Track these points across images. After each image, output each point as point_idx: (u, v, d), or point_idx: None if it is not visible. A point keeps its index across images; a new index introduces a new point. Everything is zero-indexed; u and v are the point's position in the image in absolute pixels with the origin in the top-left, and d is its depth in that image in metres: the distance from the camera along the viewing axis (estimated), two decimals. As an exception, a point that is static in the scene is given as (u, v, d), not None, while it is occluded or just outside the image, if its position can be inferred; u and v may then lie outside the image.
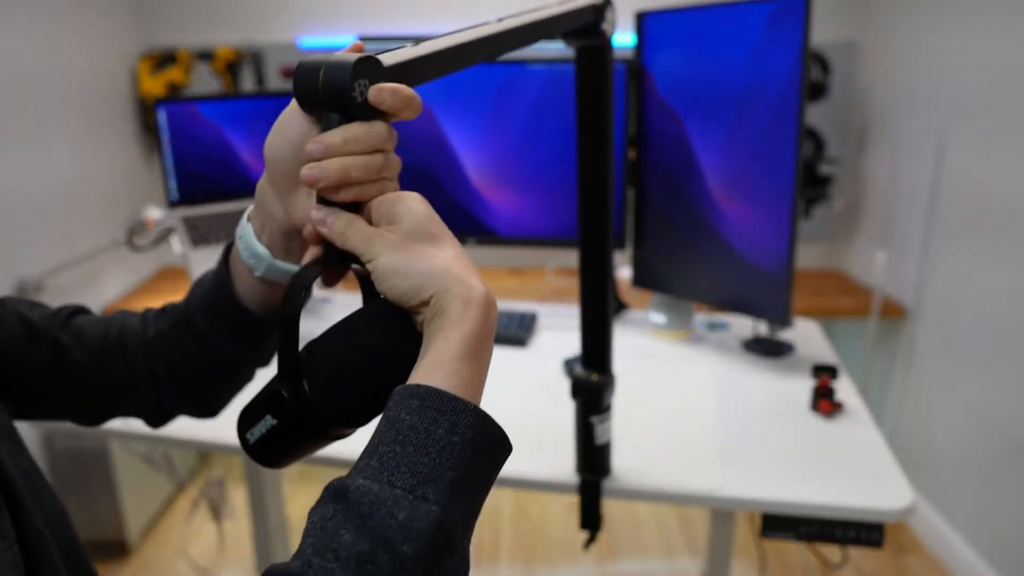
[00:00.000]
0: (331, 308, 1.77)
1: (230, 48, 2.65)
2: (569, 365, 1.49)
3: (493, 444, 0.47)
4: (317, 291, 1.84)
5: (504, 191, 1.66)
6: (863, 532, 1.10)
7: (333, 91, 0.48)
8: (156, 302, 0.70)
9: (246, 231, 0.59)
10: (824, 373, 1.33)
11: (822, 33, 2.50)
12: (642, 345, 1.62)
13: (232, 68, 2.66)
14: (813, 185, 2.60)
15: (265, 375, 0.69)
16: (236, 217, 1.88)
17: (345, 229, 0.49)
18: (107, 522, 2.23)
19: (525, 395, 1.40)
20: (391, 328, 0.50)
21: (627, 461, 1.15)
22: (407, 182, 0.51)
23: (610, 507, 1.71)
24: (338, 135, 0.48)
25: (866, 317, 2.42)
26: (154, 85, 2.61)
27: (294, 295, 0.50)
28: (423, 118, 1.61)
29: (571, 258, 2.15)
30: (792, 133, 1.36)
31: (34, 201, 2.15)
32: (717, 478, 1.14)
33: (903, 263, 2.41)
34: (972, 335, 2.11)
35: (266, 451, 0.52)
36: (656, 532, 2.41)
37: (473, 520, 0.46)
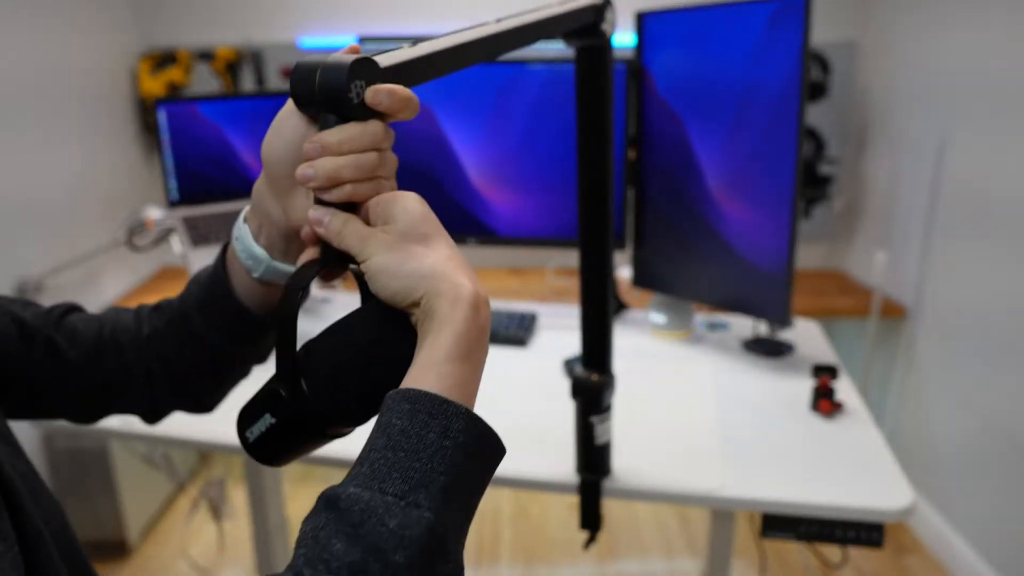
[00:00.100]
0: (330, 308, 1.77)
1: (230, 48, 2.65)
2: (569, 365, 1.49)
3: (486, 447, 0.47)
4: (316, 291, 1.84)
5: (504, 191, 1.66)
6: (863, 532, 1.10)
7: (329, 92, 0.48)
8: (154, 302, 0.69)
9: (243, 232, 0.59)
10: (824, 373, 1.33)
11: (822, 33, 2.50)
12: (642, 345, 1.62)
13: (232, 68, 2.66)
14: (813, 185, 2.60)
15: (260, 370, 0.69)
16: (236, 217, 1.88)
17: (341, 229, 0.50)
18: (107, 522, 2.23)
19: (525, 395, 1.40)
20: (386, 328, 0.50)
21: (627, 461, 1.15)
22: (407, 182, 0.51)
23: (610, 507, 1.72)
24: (334, 135, 0.49)
25: (866, 317, 2.42)
26: (154, 85, 2.61)
27: (292, 295, 0.50)
28: (423, 118, 1.61)
29: (571, 258, 2.15)
30: (792, 133, 1.36)
31: (34, 201, 2.15)
32: (717, 478, 1.14)
33: (903, 263, 2.41)
34: (972, 335, 2.11)
35: (265, 449, 0.52)
36: (656, 532, 2.41)
37: (467, 525, 0.46)
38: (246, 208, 0.60)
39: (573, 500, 1.15)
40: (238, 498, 2.51)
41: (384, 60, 0.50)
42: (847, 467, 1.17)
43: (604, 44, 0.89)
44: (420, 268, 0.48)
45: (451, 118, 1.62)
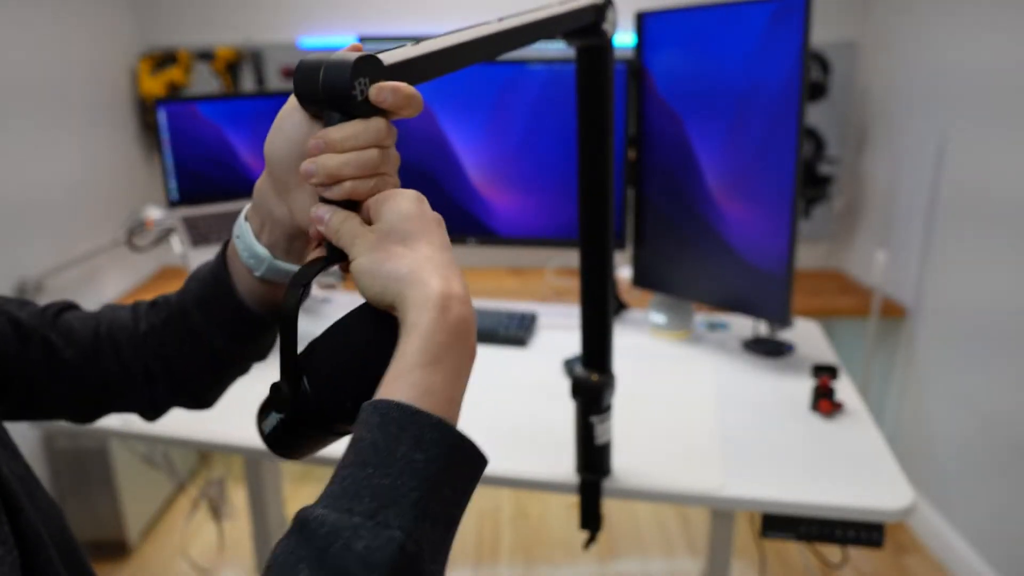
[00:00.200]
0: (331, 308, 1.78)
1: (230, 48, 2.65)
2: (569, 365, 1.49)
3: (462, 458, 0.44)
4: (317, 291, 1.84)
5: (504, 191, 1.66)
6: (863, 532, 1.10)
7: (333, 90, 0.48)
8: (153, 302, 0.69)
9: (244, 230, 0.59)
10: (824, 373, 1.33)
11: (822, 33, 2.50)
12: (642, 345, 1.62)
13: (232, 68, 2.67)
14: (813, 185, 2.60)
15: (260, 367, 0.69)
16: (236, 217, 1.88)
17: (339, 227, 0.50)
18: (107, 522, 2.23)
19: (525, 395, 1.40)
20: (376, 328, 0.50)
21: (627, 461, 1.15)
22: (406, 181, 0.51)
23: (610, 507, 1.71)
24: (337, 132, 0.49)
25: (866, 317, 2.42)
26: (154, 85, 2.61)
27: (294, 294, 0.50)
28: (423, 118, 1.61)
29: (571, 258, 2.15)
30: (792, 133, 1.36)
31: (34, 201, 2.15)
32: (717, 478, 1.14)
33: (903, 263, 2.41)
34: (972, 335, 2.11)
35: (278, 444, 0.53)
36: (656, 532, 2.41)
37: (447, 539, 0.44)
38: (247, 206, 0.60)
39: (573, 500, 1.15)
40: (238, 498, 2.51)
41: (388, 58, 0.50)
42: (847, 467, 1.17)
43: (605, 44, 0.89)
44: (394, 270, 0.47)
45: (451, 118, 1.62)
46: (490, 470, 1.26)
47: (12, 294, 2.02)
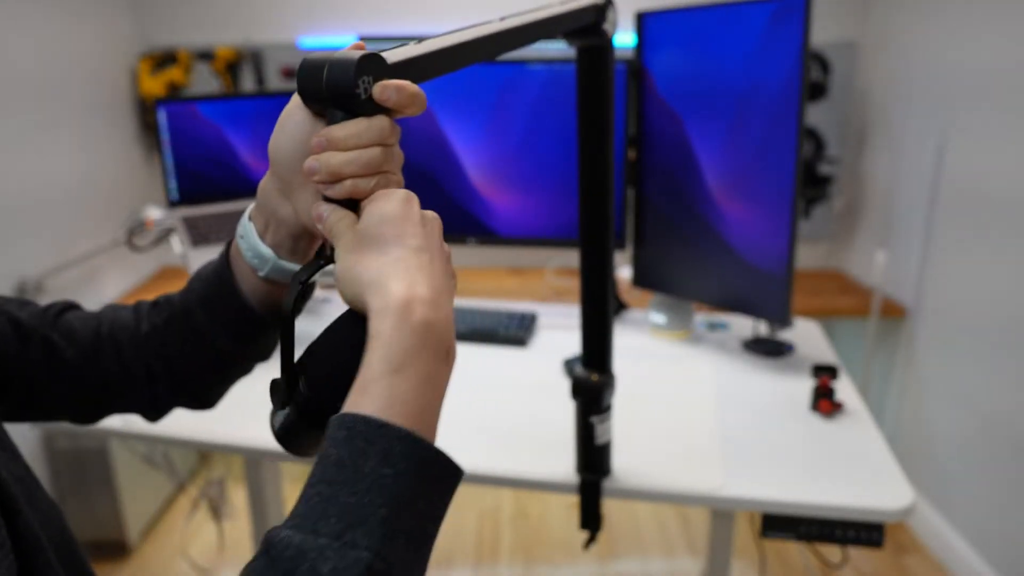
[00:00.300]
0: (331, 308, 1.78)
1: (230, 48, 2.65)
2: (569, 365, 1.49)
3: (435, 472, 0.43)
4: (318, 291, 1.84)
5: (504, 191, 1.66)
6: (863, 532, 1.10)
7: (337, 88, 0.48)
8: (153, 301, 0.69)
9: (248, 230, 0.59)
10: (824, 373, 1.33)
11: (822, 33, 2.50)
12: (642, 345, 1.62)
13: (232, 68, 2.66)
14: (813, 185, 2.60)
15: (262, 367, 0.69)
16: (236, 217, 1.88)
17: (333, 226, 0.50)
18: (107, 522, 2.22)
19: (525, 395, 1.40)
20: (363, 330, 0.50)
21: (627, 461, 1.15)
22: (406, 181, 0.51)
23: (610, 507, 1.71)
24: (340, 130, 0.49)
25: (866, 317, 2.42)
26: (154, 85, 2.61)
27: (291, 293, 0.51)
28: (423, 117, 1.61)
29: (571, 258, 2.15)
30: (792, 133, 1.36)
31: (34, 201, 2.15)
32: (717, 478, 1.14)
33: (903, 263, 2.41)
34: (972, 335, 2.11)
35: (286, 441, 0.53)
36: (656, 532, 2.41)
37: (420, 557, 0.42)
38: (251, 206, 0.60)
39: (573, 500, 1.15)
40: (238, 498, 2.51)
41: (391, 56, 0.50)
42: (847, 467, 1.17)
43: (605, 44, 0.89)
44: (363, 275, 0.46)
45: (451, 118, 1.62)
46: (490, 470, 1.26)
47: (12, 294, 2.02)
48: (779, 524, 1.11)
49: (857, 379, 2.27)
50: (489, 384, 1.43)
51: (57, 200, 2.25)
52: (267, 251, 0.58)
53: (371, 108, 0.49)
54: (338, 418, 0.42)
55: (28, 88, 2.14)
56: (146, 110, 2.67)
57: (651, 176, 1.62)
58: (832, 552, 1.76)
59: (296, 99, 0.53)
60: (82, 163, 2.39)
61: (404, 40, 0.55)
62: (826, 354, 1.55)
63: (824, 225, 2.80)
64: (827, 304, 2.50)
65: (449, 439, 1.38)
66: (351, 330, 0.51)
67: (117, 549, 2.27)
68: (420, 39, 0.55)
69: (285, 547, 0.39)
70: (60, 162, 2.28)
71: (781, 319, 1.46)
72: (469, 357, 1.56)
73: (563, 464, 1.15)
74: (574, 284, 2.26)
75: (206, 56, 2.66)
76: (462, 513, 2.50)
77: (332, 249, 0.51)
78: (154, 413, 0.69)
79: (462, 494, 2.15)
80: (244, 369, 0.69)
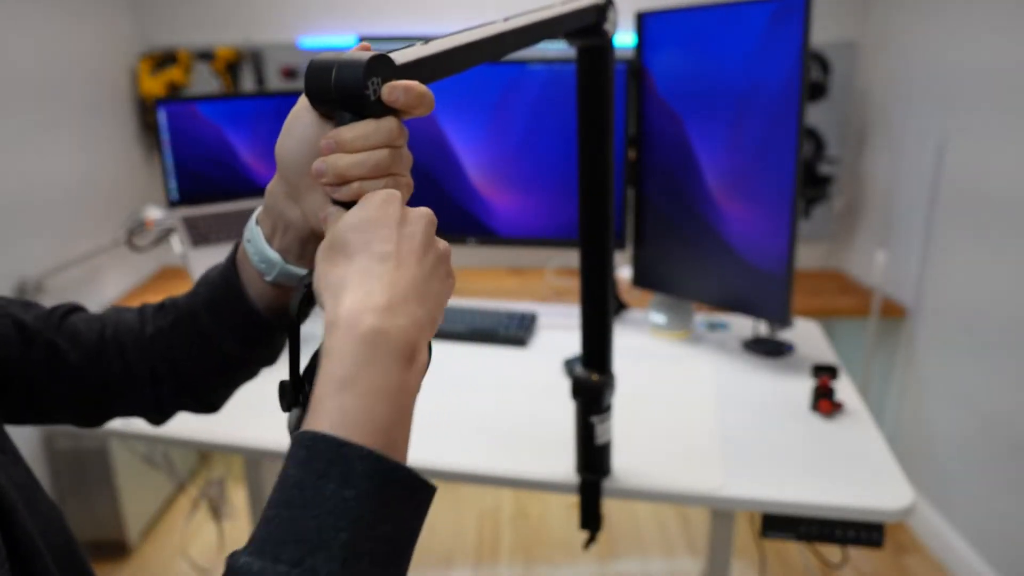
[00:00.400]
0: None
1: (230, 48, 2.65)
2: (569, 365, 1.49)
3: (399, 491, 0.41)
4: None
5: (504, 191, 1.66)
6: (863, 532, 1.10)
7: (346, 89, 0.48)
8: (155, 301, 0.69)
9: (255, 234, 0.58)
10: (824, 373, 1.33)
11: (822, 33, 2.50)
12: (642, 345, 1.62)
13: (232, 68, 2.66)
14: (813, 185, 2.60)
15: (268, 370, 0.69)
16: (236, 217, 1.88)
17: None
18: (107, 522, 2.23)
19: (525, 395, 1.40)
20: None
21: (627, 461, 1.15)
22: (407, 182, 0.51)
23: (610, 507, 1.71)
24: (349, 132, 0.48)
25: (866, 317, 2.42)
26: (154, 85, 2.61)
27: (296, 296, 0.51)
28: (423, 118, 1.61)
29: (571, 258, 2.15)
30: (792, 133, 1.36)
31: (34, 201, 2.15)
32: (717, 478, 1.14)
33: (903, 263, 2.42)
34: (972, 335, 2.11)
35: None
36: (656, 532, 2.41)
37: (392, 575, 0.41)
38: (258, 210, 0.59)
39: (573, 500, 1.15)
40: (238, 498, 2.51)
41: (399, 57, 0.50)
42: (847, 467, 1.17)
43: (606, 44, 0.89)
44: (328, 285, 0.45)
45: (451, 118, 1.62)
46: (490, 470, 1.25)
47: (12, 294, 2.02)
48: (779, 524, 1.11)
49: (857, 379, 2.27)
50: (489, 384, 1.43)
51: (57, 200, 2.25)
52: (274, 255, 0.58)
53: (380, 110, 0.49)
54: (298, 436, 0.41)
55: (28, 88, 2.14)
56: (146, 110, 2.67)
57: (651, 176, 1.62)
58: (832, 552, 1.76)
59: (303, 101, 0.52)
60: (82, 163, 2.39)
61: (405, 40, 0.55)
62: (826, 354, 1.55)
63: (824, 225, 2.80)
64: (827, 304, 2.50)
65: (449, 439, 1.38)
66: None
67: (117, 549, 2.27)
68: (427, 39, 0.55)
69: (245, 574, 0.38)
70: (60, 162, 2.28)
71: (781, 319, 1.46)
72: (469, 357, 1.56)
73: (563, 464, 1.15)
74: (574, 284, 2.26)
75: (206, 56, 2.66)
76: (462, 513, 2.50)
77: None
78: (158, 416, 0.69)
79: (462, 494, 2.15)
80: (250, 373, 0.68)
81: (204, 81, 2.68)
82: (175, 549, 2.31)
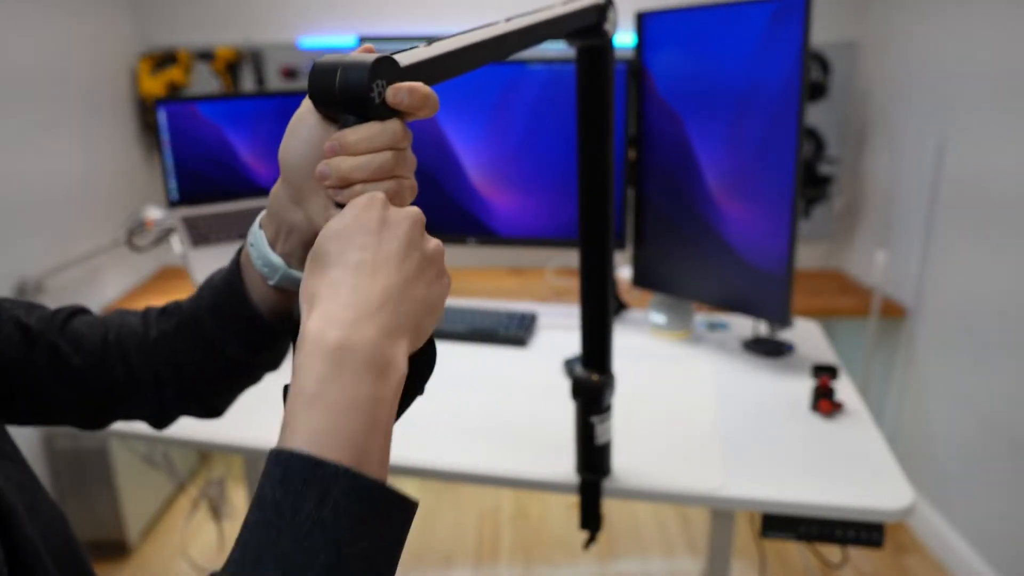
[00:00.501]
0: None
1: (230, 48, 2.65)
2: (569, 365, 1.49)
3: (378, 509, 0.41)
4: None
5: (504, 191, 1.66)
6: (863, 532, 1.10)
7: (350, 92, 0.48)
8: (156, 302, 0.68)
9: (258, 239, 0.58)
10: (824, 373, 1.33)
11: (822, 33, 2.50)
12: (642, 345, 1.62)
13: (232, 68, 2.66)
14: (813, 185, 2.60)
15: (271, 374, 0.69)
16: (236, 217, 1.89)
17: None
18: (107, 522, 2.23)
19: (525, 395, 1.40)
20: None
21: (627, 461, 1.15)
22: (408, 181, 0.51)
23: (610, 507, 1.71)
24: (353, 134, 0.48)
25: (866, 317, 2.42)
26: (154, 85, 2.61)
27: (300, 302, 0.50)
28: (423, 119, 1.61)
29: (571, 258, 2.15)
30: (792, 133, 1.36)
31: (34, 201, 2.15)
32: (717, 478, 1.14)
33: (903, 263, 2.42)
34: (972, 335, 2.11)
35: None
36: (656, 532, 2.41)
37: None
38: (262, 214, 0.59)
39: (573, 500, 1.15)
40: (238, 498, 2.51)
41: (403, 59, 0.50)
42: (847, 467, 1.17)
43: (606, 44, 0.89)
44: (303, 296, 0.45)
45: (451, 118, 1.62)
46: (490, 470, 1.25)
47: (12, 294, 2.03)
48: (779, 524, 1.11)
49: (857, 379, 2.27)
50: (489, 384, 1.43)
51: (57, 200, 2.25)
52: (277, 260, 0.58)
53: (384, 112, 0.48)
54: (275, 455, 0.40)
55: (28, 88, 2.14)
56: (146, 110, 2.67)
57: (651, 176, 1.62)
58: (832, 552, 1.76)
59: (307, 103, 0.52)
60: (82, 163, 2.39)
61: (405, 40, 0.55)
62: (826, 354, 1.55)
63: (824, 225, 2.80)
64: (827, 304, 2.50)
65: (450, 439, 1.38)
66: None
67: (117, 549, 2.28)
68: (429, 41, 0.54)
69: None
70: (60, 162, 2.28)
71: (781, 319, 1.46)
72: (469, 357, 1.56)
73: (563, 464, 1.15)
74: (574, 284, 2.26)
75: (206, 56, 2.66)
76: (462, 513, 2.50)
77: None
78: (160, 420, 0.69)
79: (462, 494, 2.14)
80: (253, 378, 0.68)
81: (204, 81, 2.68)
82: (175, 549, 2.31)
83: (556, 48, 1.02)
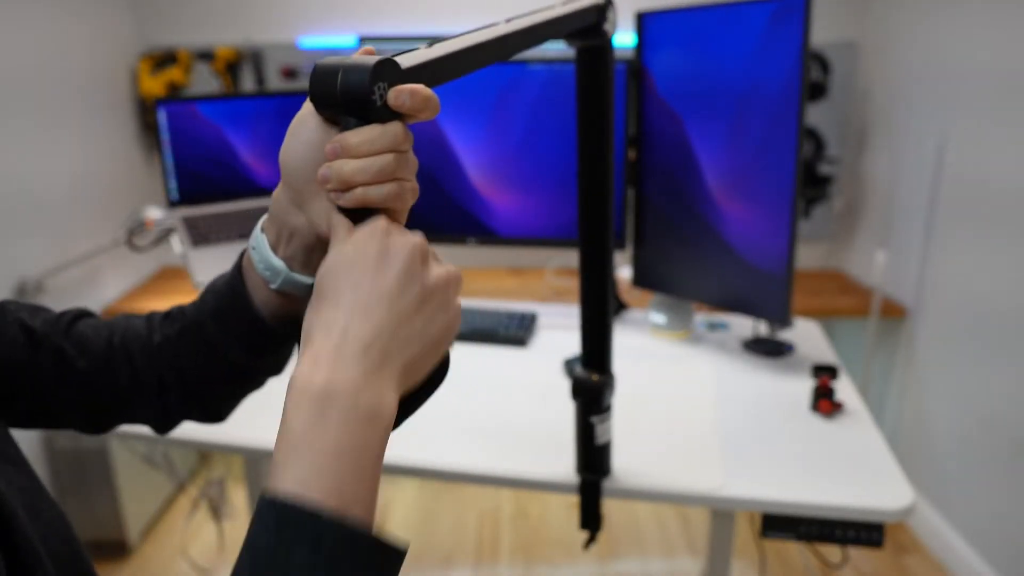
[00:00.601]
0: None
1: (230, 48, 2.65)
2: (569, 365, 1.49)
3: (375, 559, 0.41)
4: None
5: (504, 191, 1.66)
6: (863, 532, 1.10)
7: (352, 94, 0.47)
8: (156, 302, 0.69)
9: (260, 242, 0.58)
10: (824, 373, 1.33)
11: (822, 33, 2.50)
12: (642, 345, 1.62)
13: (232, 68, 2.67)
14: (813, 185, 2.61)
15: (274, 379, 0.69)
16: (236, 217, 1.89)
17: (334, 236, 0.49)
18: (107, 522, 2.23)
19: (525, 395, 1.40)
20: None
21: (627, 461, 1.15)
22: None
23: (610, 507, 1.71)
24: (354, 136, 0.48)
25: (866, 317, 2.42)
26: (154, 85, 2.61)
27: (308, 306, 0.50)
28: (423, 118, 1.61)
29: (571, 258, 2.15)
30: (792, 133, 1.36)
31: (34, 201, 2.15)
32: (717, 478, 1.14)
33: (903, 263, 2.42)
34: (972, 334, 2.11)
35: None
36: (656, 532, 2.41)
37: None
38: (264, 217, 0.59)
39: (573, 500, 1.15)
40: (238, 498, 2.51)
41: (404, 61, 0.50)
42: (847, 467, 1.17)
43: (606, 44, 0.89)
44: (302, 332, 0.46)
45: (451, 118, 1.62)
46: (490, 470, 1.25)
47: (12, 294, 2.03)
48: (779, 524, 1.11)
49: (857, 379, 2.27)
50: (489, 384, 1.43)
51: (57, 200, 2.25)
52: (279, 264, 0.57)
53: (385, 114, 0.48)
54: (268, 502, 0.41)
55: (28, 88, 2.14)
56: (146, 110, 2.67)
57: (651, 176, 1.62)
58: (832, 552, 1.76)
59: (308, 106, 0.52)
60: (82, 163, 2.39)
61: (405, 40, 0.55)
62: (826, 354, 1.56)
63: (824, 225, 2.80)
64: (827, 304, 2.50)
65: (450, 439, 1.39)
66: None
67: (117, 549, 2.28)
68: (431, 41, 0.54)
69: None
70: (60, 162, 2.28)
71: (781, 319, 1.46)
72: (469, 357, 1.56)
73: (563, 464, 1.15)
74: (574, 284, 2.26)
75: (206, 56, 2.66)
76: (462, 513, 2.50)
77: None
78: (164, 424, 0.68)
79: (462, 494, 2.14)
80: (256, 383, 0.68)
81: (204, 81, 2.68)
82: (175, 549, 2.31)
83: (556, 48, 1.01)
